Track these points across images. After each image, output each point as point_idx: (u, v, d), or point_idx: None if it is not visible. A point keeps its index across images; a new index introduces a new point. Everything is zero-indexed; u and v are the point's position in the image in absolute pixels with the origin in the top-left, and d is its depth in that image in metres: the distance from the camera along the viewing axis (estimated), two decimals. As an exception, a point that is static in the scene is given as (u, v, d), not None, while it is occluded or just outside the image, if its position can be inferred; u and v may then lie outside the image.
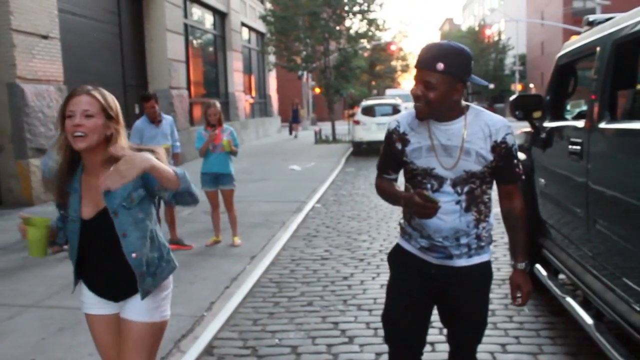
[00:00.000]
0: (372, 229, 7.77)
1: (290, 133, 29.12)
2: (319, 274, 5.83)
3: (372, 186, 11.64)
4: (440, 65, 2.21)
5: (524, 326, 4.37)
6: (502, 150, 2.34)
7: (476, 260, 2.45)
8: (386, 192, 2.58)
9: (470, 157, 2.33)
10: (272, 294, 5.30)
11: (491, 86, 55.79)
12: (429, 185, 2.39)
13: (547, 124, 4.59)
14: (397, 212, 8.25)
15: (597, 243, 3.50)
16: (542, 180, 4.67)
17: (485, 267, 2.50)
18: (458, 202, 2.36)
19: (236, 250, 6.60)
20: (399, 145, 2.46)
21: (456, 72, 2.24)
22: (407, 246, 2.55)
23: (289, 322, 4.60)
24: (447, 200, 2.35)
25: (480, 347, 2.75)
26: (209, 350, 4.14)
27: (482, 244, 2.44)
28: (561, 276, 4.48)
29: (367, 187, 11.75)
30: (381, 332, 4.23)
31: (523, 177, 2.43)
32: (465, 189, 2.36)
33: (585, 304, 3.71)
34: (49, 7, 10.58)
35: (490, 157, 2.33)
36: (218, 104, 6.78)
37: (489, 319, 4.44)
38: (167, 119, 6.86)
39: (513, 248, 2.48)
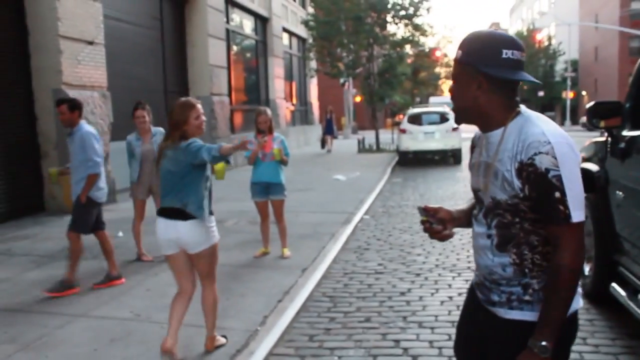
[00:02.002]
0: (427, 243, 7.31)
1: (323, 147, 24.12)
2: (374, 289, 5.58)
3: (421, 197, 11.47)
4: (459, 53, 1.88)
5: (599, 349, 4.08)
6: (529, 175, 1.74)
7: (515, 315, 1.89)
8: None
9: (497, 180, 1.84)
10: (327, 309, 5.08)
11: (540, 93, 54.16)
12: (476, 210, 2.03)
13: (627, 133, 4.28)
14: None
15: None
16: (620, 193, 4.36)
17: (524, 329, 1.84)
18: (489, 237, 1.93)
19: (286, 262, 6.39)
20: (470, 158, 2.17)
21: (470, 60, 1.83)
22: (473, 279, 2.16)
23: (347, 339, 4.39)
24: (480, 232, 1.97)
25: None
26: (265, 366, 3.96)
27: (529, 298, 1.87)
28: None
29: (416, 198, 11.40)
30: (446, 352, 4.05)
31: (571, 219, 1.72)
32: (494, 222, 1.90)
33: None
34: (94, 13, 10.62)
35: (517, 183, 1.78)
36: (269, 111, 6.58)
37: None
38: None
39: (540, 316, 1.80)
